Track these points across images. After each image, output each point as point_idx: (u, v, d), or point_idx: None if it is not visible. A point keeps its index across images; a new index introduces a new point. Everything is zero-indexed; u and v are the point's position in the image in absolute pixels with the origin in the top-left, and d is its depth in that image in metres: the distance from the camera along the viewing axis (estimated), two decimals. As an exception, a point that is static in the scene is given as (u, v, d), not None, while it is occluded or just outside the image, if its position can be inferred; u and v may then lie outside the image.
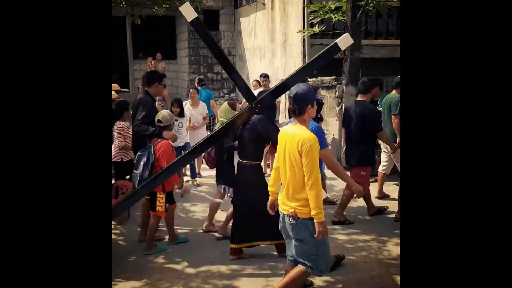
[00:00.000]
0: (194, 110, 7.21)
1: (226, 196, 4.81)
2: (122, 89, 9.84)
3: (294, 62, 10.10)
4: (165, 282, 3.82)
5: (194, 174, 7.07)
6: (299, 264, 3.13)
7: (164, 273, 3.99)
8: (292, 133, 3.04)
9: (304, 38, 9.48)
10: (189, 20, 3.90)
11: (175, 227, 4.78)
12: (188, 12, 3.86)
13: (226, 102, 5.10)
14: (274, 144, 3.63)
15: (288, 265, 3.29)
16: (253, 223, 4.05)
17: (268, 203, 3.43)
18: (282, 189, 3.20)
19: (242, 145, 4.20)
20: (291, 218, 3.04)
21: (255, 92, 4.74)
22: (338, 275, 3.87)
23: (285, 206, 3.11)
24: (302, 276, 3.14)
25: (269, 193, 3.42)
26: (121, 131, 5.45)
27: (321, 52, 4.08)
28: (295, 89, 3.08)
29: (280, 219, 3.21)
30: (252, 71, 11.84)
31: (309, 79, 9.14)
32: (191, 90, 7.49)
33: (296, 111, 3.06)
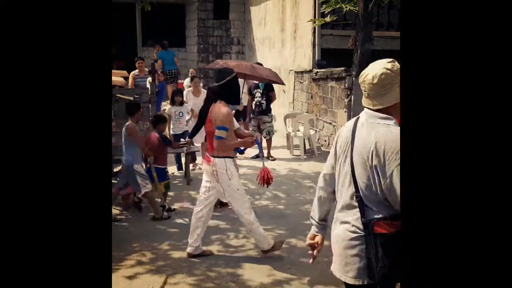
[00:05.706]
0: (196, 99, 7.41)
1: None
2: (130, 76, 9.87)
3: (303, 52, 10.02)
4: (169, 268, 3.83)
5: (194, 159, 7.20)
6: None
7: (169, 260, 4.00)
8: None
9: (315, 28, 9.39)
10: None
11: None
12: None
13: None
14: None
15: None
16: None
17: None
18: None
19: None
20: None
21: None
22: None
23: None
24: None
25: None
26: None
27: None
28: None
29: None
30: (261, 61, 11.74)
31: (318, 70, 9.09)
32: (195, 79, 7.84)
33: None
